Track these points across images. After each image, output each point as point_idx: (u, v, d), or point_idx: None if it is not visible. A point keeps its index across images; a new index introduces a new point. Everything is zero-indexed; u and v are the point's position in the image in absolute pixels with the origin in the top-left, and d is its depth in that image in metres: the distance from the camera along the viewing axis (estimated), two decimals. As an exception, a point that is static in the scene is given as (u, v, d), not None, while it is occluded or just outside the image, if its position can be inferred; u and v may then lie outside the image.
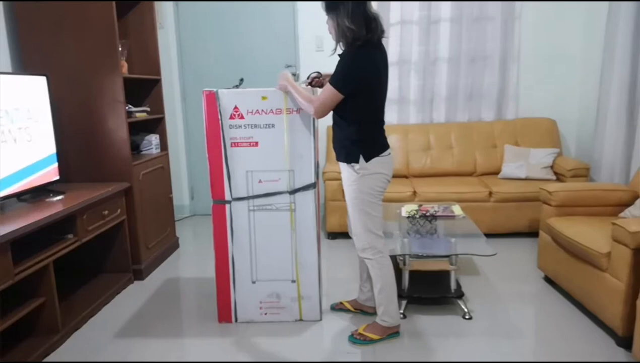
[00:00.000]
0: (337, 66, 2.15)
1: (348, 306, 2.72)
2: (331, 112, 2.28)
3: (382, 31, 2.17)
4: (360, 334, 2.41)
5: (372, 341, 2.39)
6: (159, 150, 3.59)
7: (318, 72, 2.52)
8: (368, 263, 2.37)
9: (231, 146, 2.45)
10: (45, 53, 2.95)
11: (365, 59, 2.13)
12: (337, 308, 2.74)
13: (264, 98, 2.40)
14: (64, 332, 2.48)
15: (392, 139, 4.20)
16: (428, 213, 3.00)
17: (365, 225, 2.28)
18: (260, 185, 2.49)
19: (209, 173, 2.49)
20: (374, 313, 2.48)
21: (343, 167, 2.33)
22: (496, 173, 4.13)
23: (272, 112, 2.41)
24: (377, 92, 2.23)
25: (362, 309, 2.67)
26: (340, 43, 2.18)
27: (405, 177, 4.21)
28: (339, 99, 2.16)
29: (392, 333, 2.42)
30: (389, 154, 2.30)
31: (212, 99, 2.41)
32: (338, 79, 2.14)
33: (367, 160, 2.22)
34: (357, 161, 2.23)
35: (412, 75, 4.34)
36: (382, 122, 2.31)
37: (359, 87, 2.15)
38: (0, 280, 2.05)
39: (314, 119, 2.41)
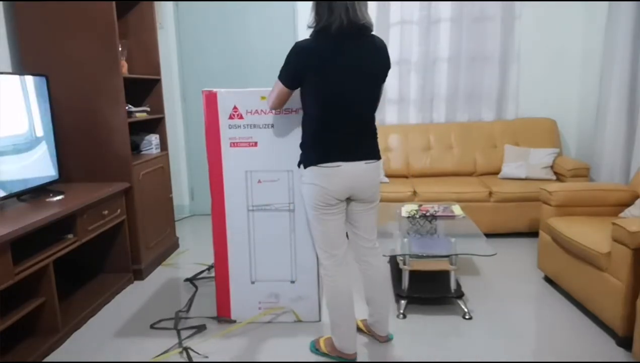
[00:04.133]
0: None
1: (360, 325, 2.46)
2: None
3: (354, 20, 1.89)
4: (317, 342, 2.34)
5: (320, 352, 2.29)
6: (159, 150, 3.59)
7: None
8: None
9: (230, 146, 2.45)
10: (45, 53, 2.95)
11: (305, 46, 1.94)
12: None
13: (263, 98, 2.40)
14: (64, 332, 2.49)
15: (392, 138, 4.28)
16: (428, 213, 3.01)
17: (314, 236, 2.15)
18: (260, 186, 2.49)
19: (208, 173, 2.50)
20: (383, 342, 2.38)
21: None
22: (496, 173, 4.13)
23: (272, 112, 2.41)
24: (327, 88, 1.94)
25: (370, 333, 2.42)
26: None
27: (405, 177, 4.21)
28: (284, 90, 2.03)
29: (344, 358, 2.22)
30: (338, 166, 1.98)
31: (212, 99, 2.41)
32: (281, 71, 2.03)
33: (304, 166, 2.05)
34: (298, 165, 2.12)
35: (412, 75, 4.34)
36: (339, 126, 1.99)
37: (296, 78, 1.98)
38: (0, 280, 2.05)
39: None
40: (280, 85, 2.03)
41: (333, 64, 1.92)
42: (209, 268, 3.34)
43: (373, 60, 2.00)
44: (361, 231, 2.21)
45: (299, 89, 2.05)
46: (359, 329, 2.44)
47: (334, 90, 1.95)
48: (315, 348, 2.33)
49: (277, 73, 2.07)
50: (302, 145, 2.10)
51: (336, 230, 2.10)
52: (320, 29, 1.92)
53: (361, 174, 2.03)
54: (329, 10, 1.89)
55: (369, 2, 2.01)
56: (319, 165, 1.99)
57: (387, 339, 2.39)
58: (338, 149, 1.99)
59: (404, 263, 2.66)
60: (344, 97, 1.96)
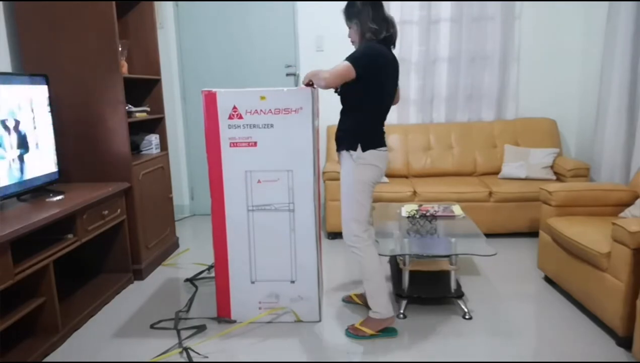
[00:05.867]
0: (355, 50, 2.32)
1: (356, 299, 2.79)
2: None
3: (396, 33, 2.35)
4: (355, 328, 2.46)
5: (365, 336, 2.42)
6: (159, 150, 3.59)
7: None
8: (353, 252, 2.41)
9: (230, 146, 2.45)
10: (45, 53, 2.95)
11: (379, 49, 2.29)
12: (347, 300, 2.82)
13: (262, 98, 2.40)
14: (64, 332, 2.49)
15: (392, 138, 4.27)
16: (428, 213, 3.01)
17: (355, 213, 2.36)
18: (260, 186, 2.49)
19: (208, 173, 2.50)
20: None
21: (342, 156, 2.39)
22: (496, 173, 4.13)
23: (271, 112, 2.41)
24: (383, 87, 2.33)
25: (364, 303, 2.67)
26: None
27: (405, 177, 4.21)
28: (349, 74, 2.23)
29: (388, 328, 2.44)
30: (386, 150, 2.40)
31: (211, 99, 2.41)
32: (353, 56, 2.27)
33: (363, 150, 2.31)
34: (355, 149, 2.32)
35: (412, 75, 4.34)
36: (383, 119, 2.41)
37: (368, 71, 2.25)
38: (0, 280, 2.05)
39: (313, 119, 2.41)
40: (351, 69, 2.23)
41: (391, 68, 2.37)
42: (209, 268, 3.34)
43: (397, 67, 2.44)
44: None
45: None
46: (353, 301, 2.80)
47: (387, 90, 2.38)
48: (357, 336, 2.44)
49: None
50: (356, 131, 2.35)
51: (370, 206, 2.43)
52: (383, 39, 2.30)
53: (388, 156, 2.45)
54: (386, 23, 2.30)
55: (385, 4, 2.23)
56: (378, 148, 2.35)
57: None
58: (383, 136, 2.41)
59: (404, 263, 2.66)
60: (389, 94, 2.41)
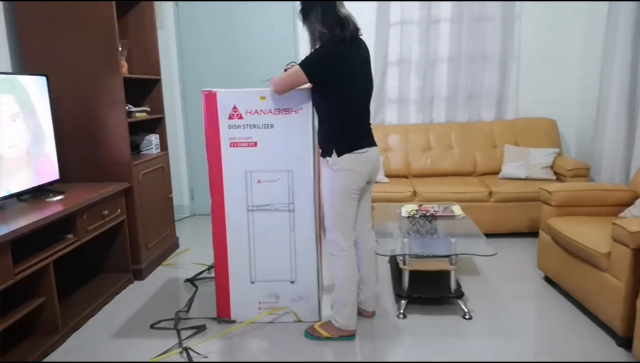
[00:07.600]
0: (308, 54, 2.24)
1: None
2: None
3: (357, 29, 2.23)
4: (313, 329, 2.46)
5: (321, 338, 2.41)
6: (159, 150, 3.59)
7: (294, 62, 2.54)
8: (330, 259, 2.38)
9: (230, 146, 2.45)
10: (45, 53, 2.95)
11: (335, 52, 2.18)
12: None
13: (262, 98, 2.40)
14: (64, 332, 2.49)
15: (392, 138, 4.28)
16: (428, 213, 3.01)
17: (333, 220, 2.32)
18: (259, 186, 2.49)
19: (208, 173, 2.50)
20: (370, 317, 2.56)
21: (322, 163, 2.37)
22: (496, 173, 4.13)
23: (271, 112, 2.41)
24: (351, 88, 2.23)
25: (357, 311, 2.55)
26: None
27: (405, 177, 4.22)
28: (300, 77, 2.21)
29: (346, 335, 2.41)
30: (366, 151, 2.28)
31: (212, 99, 2.41)
32: (305, 60, 2.21)
33: (338, 155, 2.25)
34: (329, 155, 2.27)
35: (412, 75, 4.34)
36: (359, 119, 2.32)
37: (325, 76, 2.19)
38: (0, 280, 2.05)
39: (313, 119, 2.41)
40: (301, 75, 2.20)
41: (354, 65, 2.23)
42: (209, 268, 3.34)
43: (367, 55, 2.33)
44: (363, 209, 2.45)
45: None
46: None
47: (357, 88, 2.26)
48: (313, 336, 2.43)
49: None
50: (329, 137, 2.29)
51: (355, 213, 2.35)
52: (339, 40, 2.17)
53: (377, 156, 2.36)
54: (339, 23, 2.15)
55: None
56: (354, 152, 2.24)
57: (374, 314, 2.61)
58: (363, 136, 2.31)
59: (404, 263, 2.66)
60: (361, 92, 2.29)
